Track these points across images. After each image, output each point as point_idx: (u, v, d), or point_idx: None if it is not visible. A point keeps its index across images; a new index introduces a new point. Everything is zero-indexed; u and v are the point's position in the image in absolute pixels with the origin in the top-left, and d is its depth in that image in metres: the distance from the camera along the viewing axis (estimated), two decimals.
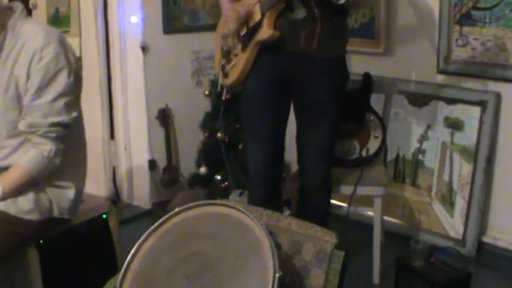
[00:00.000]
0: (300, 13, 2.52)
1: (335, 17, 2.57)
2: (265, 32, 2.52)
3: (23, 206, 2.36)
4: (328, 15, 2.50)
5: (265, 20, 2.51)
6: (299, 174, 2.90)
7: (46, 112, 2.32)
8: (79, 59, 2.46)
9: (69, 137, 2.44)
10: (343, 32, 2.70)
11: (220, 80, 2.83)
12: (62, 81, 2.34)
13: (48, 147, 2.34)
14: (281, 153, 2.92)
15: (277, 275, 1.58)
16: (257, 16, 2.55)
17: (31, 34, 2.35)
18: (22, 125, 2.34)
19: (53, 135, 2.35)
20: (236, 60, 2.71)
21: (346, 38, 2.73)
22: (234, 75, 2.72)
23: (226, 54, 2.76)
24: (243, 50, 2.66)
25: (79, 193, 2.58)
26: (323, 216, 2.81)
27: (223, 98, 2.93)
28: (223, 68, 2.79)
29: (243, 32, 2.66)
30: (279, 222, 1.98)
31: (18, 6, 2.43)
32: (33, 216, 2.38)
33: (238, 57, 2.70)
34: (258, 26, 2.55)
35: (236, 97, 3.42)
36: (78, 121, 2.53)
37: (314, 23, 2.50)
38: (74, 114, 2.42)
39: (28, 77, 2.31)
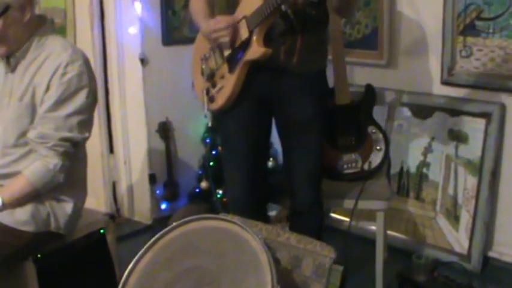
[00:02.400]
0: (279, 27, 2.41)
1: (315, 29, 2.49)
2: (255, 51, 2.37)
3: (19, 217, 2.36)
4: (307, 28, 2.42)
5: (254, 38, 2.37)
6: (288, 198, 2.76)
7: (58, 126, 2.36)
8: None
9: (75, 155, 2.45)
10: (324, 45, 2.60)
11: (206, 105, 2.61)
12: (81, 99, 2.39)
13: (54, 161, 2.36)
14: (262, 176, 2.77)
15: None
16: (244, 33, 2.41)
17: (58, 48, 2.40)
18: (32, 134, 2.36)
19: (61, 149, 2.37)
20: (223, 82, 2.54)
21: (326, 51, 2.63)
22: (221, 99, 2.54)
23: (210, 77, 2.58)
24: (231, 71, 2.49)
25: (77, 210, 2.58)
26: (317, 237, 2.70)
27: (210, 125, 2.75)
28: (207, 92, 2.60)
29: (228, 52, 2.51)
30: (278, 237, 2.00)
31: (47, 19, 2.51)
32: (28, 228, 2.37)
33: (225, 79, 2.53)
34: (246, 44, 2.41)
35: None
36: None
37: (294, 37, 2.41)
38: (86, 134, 2.47)
39: (48, 88, 2.35)
